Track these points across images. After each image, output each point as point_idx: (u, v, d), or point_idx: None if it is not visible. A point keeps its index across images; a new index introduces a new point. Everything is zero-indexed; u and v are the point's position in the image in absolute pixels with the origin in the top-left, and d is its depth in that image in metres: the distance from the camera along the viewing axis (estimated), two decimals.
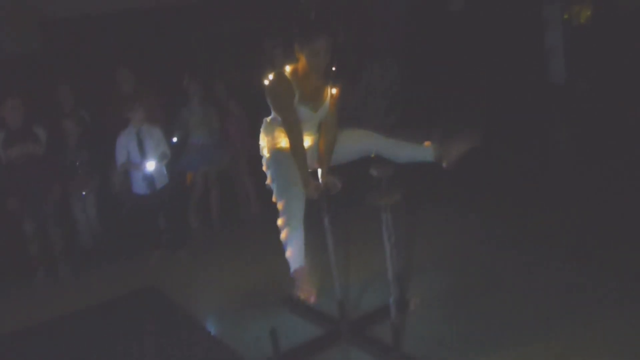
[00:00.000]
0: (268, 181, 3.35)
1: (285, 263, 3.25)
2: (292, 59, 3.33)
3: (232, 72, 6.23)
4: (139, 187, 5.54)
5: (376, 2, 6.15)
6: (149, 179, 5.50)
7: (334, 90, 3.43)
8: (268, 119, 3.49)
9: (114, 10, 6.39)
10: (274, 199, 3.23)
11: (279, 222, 3.17)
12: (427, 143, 3.40)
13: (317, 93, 3.37)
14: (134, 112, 5.50)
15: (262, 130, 3.50)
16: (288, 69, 3.35)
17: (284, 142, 3.41)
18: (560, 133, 5.85)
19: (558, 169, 5.77)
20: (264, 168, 3.44)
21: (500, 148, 5.58)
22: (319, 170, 3.54)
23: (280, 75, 3.29)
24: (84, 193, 5.83)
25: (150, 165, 5.49)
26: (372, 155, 3.45)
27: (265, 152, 3.45)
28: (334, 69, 3.30)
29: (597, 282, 4.02)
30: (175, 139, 5.82)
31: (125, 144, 5.50)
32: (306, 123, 3.41)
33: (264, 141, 3.47)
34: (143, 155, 5.49)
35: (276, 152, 3.38)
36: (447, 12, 6.20)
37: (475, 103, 5.83)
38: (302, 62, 3.27)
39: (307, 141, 3.49)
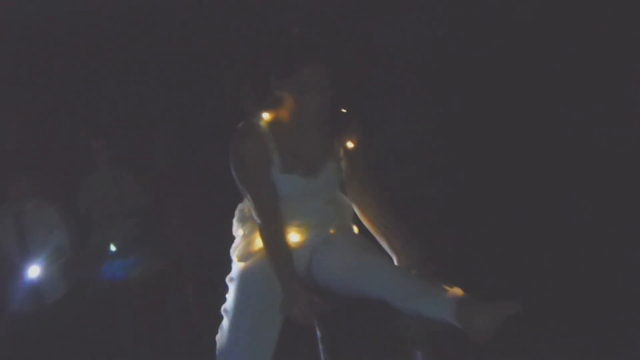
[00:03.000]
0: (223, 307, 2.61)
1: None
2: (270, 101, 2.57)
3: (173, 119, 4.75)
4: (19, 302, 4.11)
5: (396, 13, 4.70)
6: (34, 289, 4.08)
7: (349, 143, 2.65)
8: (245, 206, 2.67)
9: None
10: (217, 339, 2.54)
11: None
12: (452, 292, 2.48)
13: (313, 150, 2.60)
14: (12, 183, 4.15)
15: (234, 221, 2.71)
16: (266, 116, 2.56)
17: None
18: None
19: None
20: (227, 279, 2.63)
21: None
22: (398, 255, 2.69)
23: (247, 129, 2.55)
24: None
25: (34, 270, 4.04)
26: None
27: (234, 255, 2.63)
28: (343, 110, 2.65)
29: None
30: (113, 248, 4.37)
31: None
32: (299, 200, 2.58)
33: (237, 238, 2.68)
34: (24, 250, 4.12)
35: (252, 264, 2.59)
36: (509, 24, 4.79)
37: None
38: (288, 103, 2.55)
39: (305, 234, 2.60)
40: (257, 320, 2.52)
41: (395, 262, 2.64)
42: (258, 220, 2.57)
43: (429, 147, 4.51)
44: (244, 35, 4.76)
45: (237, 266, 2.62)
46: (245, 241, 2.62)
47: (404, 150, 4.47)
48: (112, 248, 4.34)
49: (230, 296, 2.57)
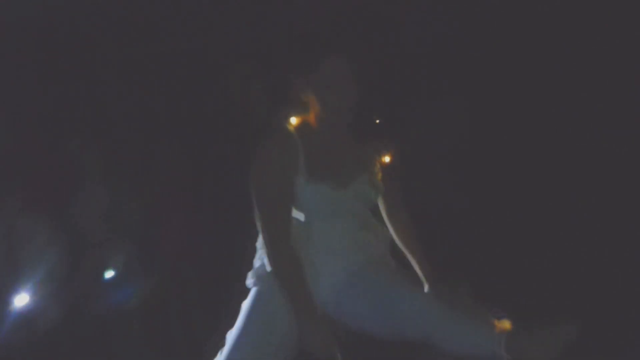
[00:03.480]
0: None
1: None
2: (293, 103, 2.35)
3: (172, 128, 4.46)
4: (8, 332, 3.80)
5: (418, 8, 4.40)
6: (24, 318, 3.80)
7: (385, 156, 2.49)
8: None
9: None
10: None
11: None
12: (499, 326, 2.23)
13: (343, 158, 2.37)
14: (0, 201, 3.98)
15: (257, 246, 2.46)
16: (291, 119, 2.35)
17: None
18: None
19: None
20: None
21: None
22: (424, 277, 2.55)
23: (275, 133, 2.31)
24: None
25: (23, 298, 3.76)
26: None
27: (249, 280, 2.40)
28: (377, 121, 2.53)
29: None
30: (110, 274, 4.10)
31: None
32: (326, 220, 2.31)
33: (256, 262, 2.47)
34: (14, 275, 3.85)
35: (264, 287, 2.34)
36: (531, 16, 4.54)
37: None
38: (313, 104, 2.34)
39: (331, 263, 2.33)
40: (257, 349, 2.31)
41: (425, 283, 2.51)
42: (267, 239, 2.34)
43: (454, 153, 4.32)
44: (254, 33, 4.44)
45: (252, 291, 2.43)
46: (260, 266, 2.42)
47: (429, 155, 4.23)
48: (108, 272, 4.10)
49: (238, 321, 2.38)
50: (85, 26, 4.60)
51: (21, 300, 3.72)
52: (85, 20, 4.55)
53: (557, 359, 2.16)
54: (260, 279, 2.39)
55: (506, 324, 2.22)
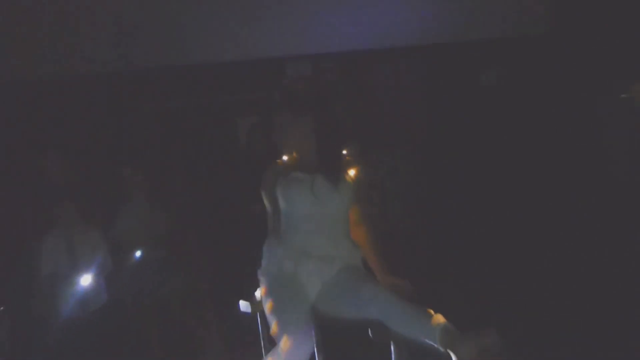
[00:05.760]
0: (272, 330, 2.74)
1: None
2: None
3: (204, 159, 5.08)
4: (69, 308, 4.39)
5: (380, 76, 4.97)
6: (83, 297, 4.38)
7: (355, 178, 3.00)
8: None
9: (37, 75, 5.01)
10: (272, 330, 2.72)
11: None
12: (435, 319, 2.61)
13: (314, 174, 3.01)
14: (63, 208, 4.50)
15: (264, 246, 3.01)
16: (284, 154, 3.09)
17: (285, 264, 2.90)
18: None
19: None
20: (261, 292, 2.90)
21: None
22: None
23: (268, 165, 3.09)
24: None
25: (85, 280, 4.37)
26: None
27: (259, 274, 2.96)
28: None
29: None
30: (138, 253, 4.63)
31: (51, 250, 4.44)
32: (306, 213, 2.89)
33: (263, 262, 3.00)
34: (75, 265, 4.41)
35: (270, 277, 2.90)
36: (477, 88, 4.97)
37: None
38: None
39: (320, 265, 2.91)
40: (289, 311, 2.77)
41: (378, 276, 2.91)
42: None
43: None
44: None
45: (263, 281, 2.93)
46: (268, 262, 2.97)
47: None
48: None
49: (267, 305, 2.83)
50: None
51: (80, 283, 4.28)
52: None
53: (478, 355, 2.41)
54: (266, 272, 2.96)
55: (440, 319, 2.61)
